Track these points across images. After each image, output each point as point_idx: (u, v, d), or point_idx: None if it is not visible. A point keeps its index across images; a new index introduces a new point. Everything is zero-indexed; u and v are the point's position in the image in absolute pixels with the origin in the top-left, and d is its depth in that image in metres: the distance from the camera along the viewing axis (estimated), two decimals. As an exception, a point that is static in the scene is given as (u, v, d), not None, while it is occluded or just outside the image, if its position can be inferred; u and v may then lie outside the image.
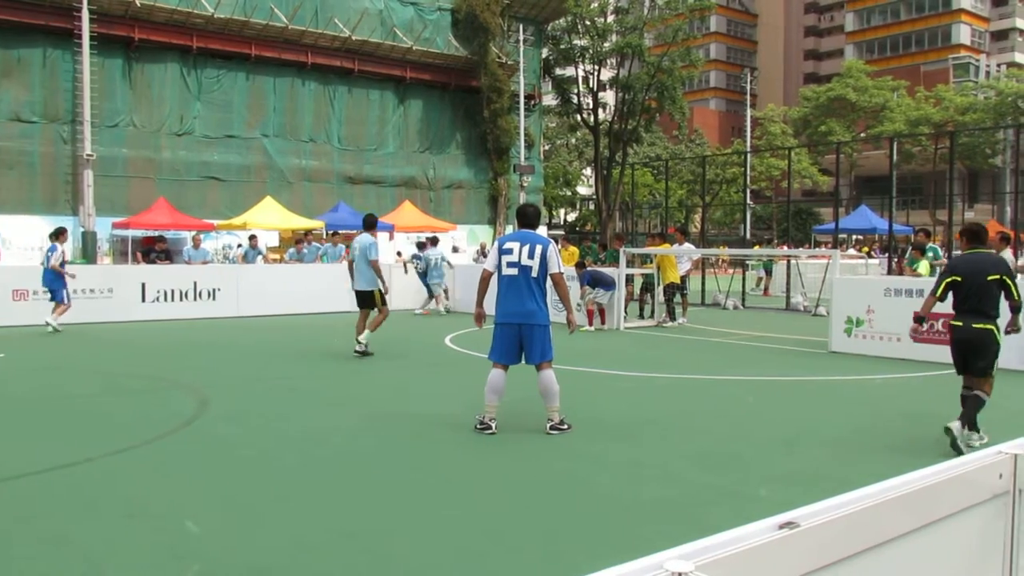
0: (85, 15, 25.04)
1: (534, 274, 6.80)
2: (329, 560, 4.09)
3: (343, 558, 4.13)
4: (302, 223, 25.62)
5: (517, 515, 4.81)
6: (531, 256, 6.80)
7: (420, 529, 4.53)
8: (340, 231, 24.61)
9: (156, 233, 22.99)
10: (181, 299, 16.51)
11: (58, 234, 14.51)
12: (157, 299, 16.50)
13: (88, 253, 24.68)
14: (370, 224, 11.88)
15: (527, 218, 7.20)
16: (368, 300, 11.53)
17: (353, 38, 32.17)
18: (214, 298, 16.91)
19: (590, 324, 15.20)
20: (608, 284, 15.13)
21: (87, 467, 5.84)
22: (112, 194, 26.74)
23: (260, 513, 4.82)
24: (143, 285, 16.47)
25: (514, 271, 6.83)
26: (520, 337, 6.85)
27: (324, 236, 24.15)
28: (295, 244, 21.27)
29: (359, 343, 11.29)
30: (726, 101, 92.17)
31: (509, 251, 6.89)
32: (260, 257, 20.17)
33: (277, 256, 23.42)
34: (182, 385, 9.11)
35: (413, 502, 5.03)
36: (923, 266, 13.82)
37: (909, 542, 1.87)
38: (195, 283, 16.87)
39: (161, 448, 6.43)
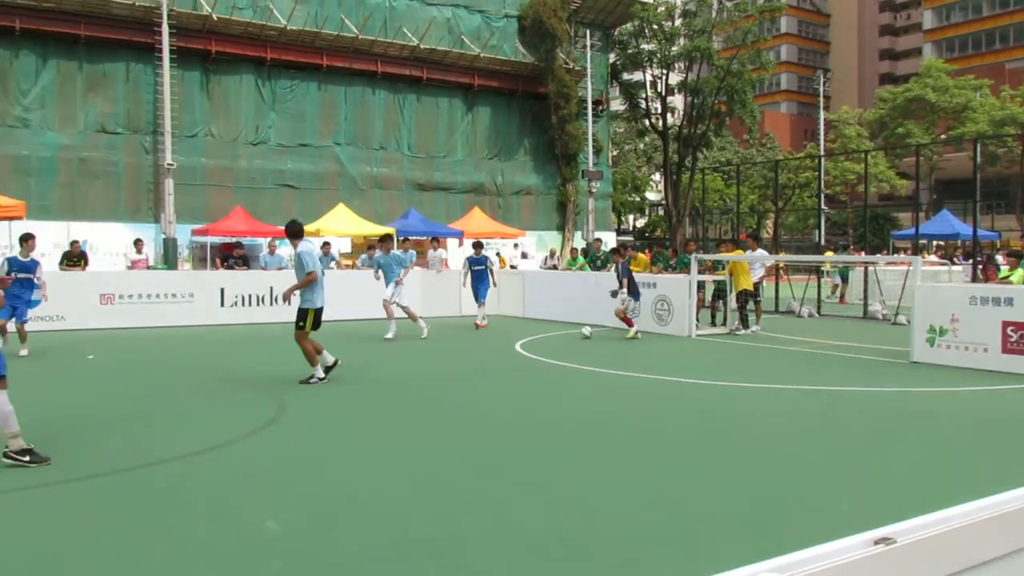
0: (165, 30, 25.89)
1: None
2: (401, 564, 4.13)
3: (414, 563, 4.17)
4: (374, 229, 26.00)
5: (591, 522, 4.79)
6: None
7: (492, 536, 4.55)
8: (411, 237, 24.96)
9: (234, 239, 23.60)
10: (258, 304, 16.93)
11: (21, 241, 12.52)
12: (236, 304, 16.96)
13: (169, 259, 25.49)
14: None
15: None
16: None
17: (421, 46, 32.54)
18: (289, 303, 17.26)
19: (631, 326, 15.03)
20: (637, 292, 15.17)
21: (172, 466, 6.03)
22: (191, 202, 27.55)
23: (337, 515, 4.90)
24: (222, 290, 16.94)
25: None
26: None
27: (396, 243, 24.48)
28: (367, 250, 21.61)
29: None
30: (798, 104, 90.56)
31: None
32: (333, 263, 20.54)
33: (350, 262, 23.81)
34: (261, 388, 9.33)
35: (485, 508, 5.05)
36: (1017, 275, 13.23)
37: (1007, 564, 1.81)
38: (271, 288, 17.27)
39: (242, 448, 6.60)
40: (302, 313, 9.89)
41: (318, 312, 9.98)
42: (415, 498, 5.26)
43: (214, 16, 28.29)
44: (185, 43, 27.49)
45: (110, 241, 26.38)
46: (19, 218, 18.31)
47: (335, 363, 9.92)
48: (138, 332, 15.47)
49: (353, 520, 4.80)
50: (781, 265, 22.64)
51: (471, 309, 17.92)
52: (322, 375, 9.77)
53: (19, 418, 5.85)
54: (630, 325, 14.96)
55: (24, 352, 12.05)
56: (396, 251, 15.71)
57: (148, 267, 20.93)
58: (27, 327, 15.23)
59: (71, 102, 27.01)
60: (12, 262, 11.92)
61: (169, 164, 26.02)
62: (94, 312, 15.89)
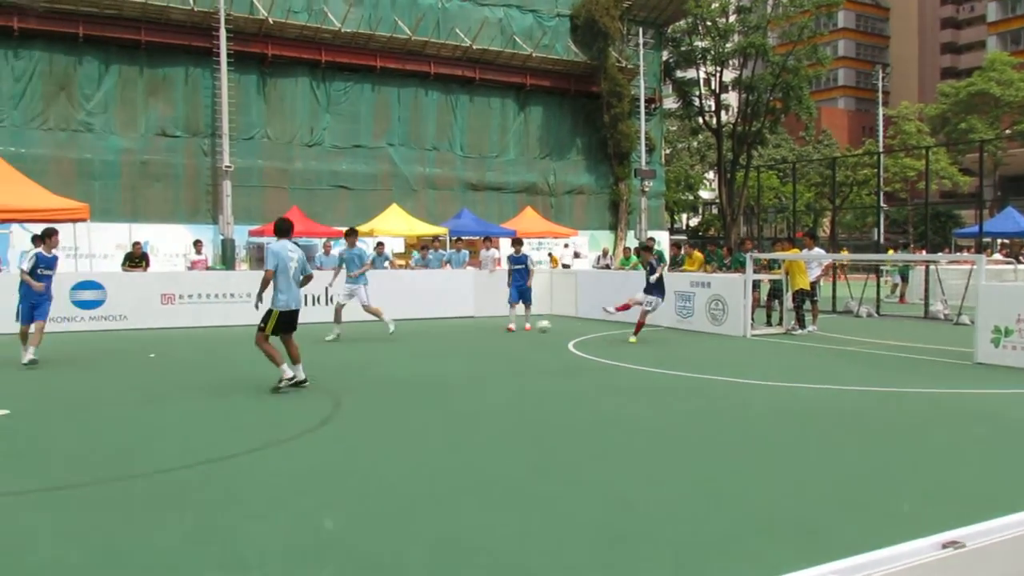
0: (223, 34, 26.41)
1: None
2: (455, 561, 4.14)
3: (468, 560, 4.18)
4: (427, 229, 26.19)
5: (645, 524, 4.74)
6: None
7: (545, 535, 4.53)
8: (464, 237, 25.08)
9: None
10: (314, 303, 17.11)
11: (45, 236, 11.53)
12: (291, 303, 17.19)
13: (227, 260, 25.98)
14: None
15: None
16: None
17: (474, 47, 32.71)
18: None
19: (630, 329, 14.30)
20: (663, 292, 14.40)
21: (229, 463, 6.13)
22: (248, 203, 28.08)
23: (392, 513, 4.92)
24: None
25: None
26: None
27: (449, 242, 24.62)
28: (421, 250, 21.79)
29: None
30: (856, 100, 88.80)
31: None
32: (387, 263, 20.71)
33: (403, 262, 24.01)
34: (316, 386, 9.43)
35: (538, 507, 5.03)
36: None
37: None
38: (326, 288, 17.46)
39: (298, 446, 6.69)
40: (266, 315, 9.17)
41: (283, 315, 9.13)
42: (469, 496, 5.27)
43: (270, 20, 28.81)
44: (242, 47, 28.03)
45: (170, 242, 27.01)
46: (83, 220, 18.81)
47: (292, 378, 8.96)
48: (198, 331, 15.79)
49: (409, 518, 4.82)
50: (843, 264, 22.18)
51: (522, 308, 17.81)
52: (290, 375, 8.95)
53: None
54: (638, 330, 14.11)
55: (29, 357, 10.87)
56: (360, 247, 15.19)
57: (207, 267, 21.35)
58: (91, 326, 15.73)
59: (132, 106, 27.75)
60: (40, 258, 11.11)
61: (227, 166, 26.53)
62: (155, 312, 16.27)
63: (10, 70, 26.08)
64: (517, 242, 17.38)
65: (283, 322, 9.15)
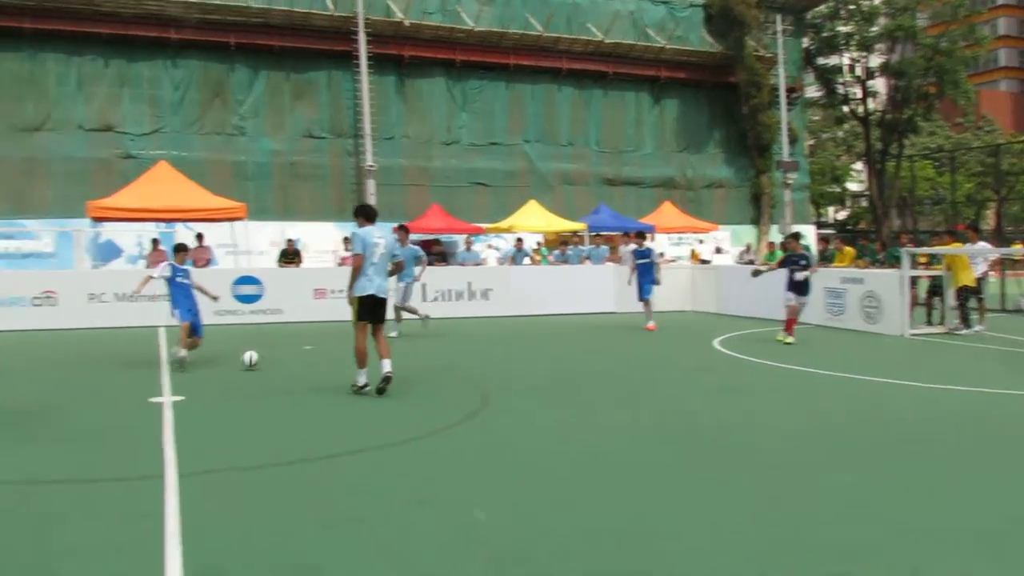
0: (362, 38, 27.29)
1: None
2: (601, 559, 4.07)
3: (614, 557, 4.09)
4: (565, 225, 26.18)
5: (804, 530, 4.52)
6: None
7: (688, 534, 4.39)
8: (602, 232, 24.93)
9: (432, 237, 24.45)
10: (457, 299, 17.46)
11: (176, 251, 11.54)
12: (437, 299, 17.58)
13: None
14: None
15: None
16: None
17: (606, 41, 32.45)
18: (487, 298, 17.73)
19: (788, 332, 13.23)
20: (809, 291, 13.57)
21: (378, 453, 6.26)
22: (391, 201, 28.77)
23: (541, 508, 4.88)
24: (424, 286, 17.60)
25: None
26: None
27: (588, 238, 24.53)
28: (560, 246, 21.86)
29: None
30: (1020, 81, 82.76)
31: None
32: (527, 259, 20.86)
33: (537, 259, 24.12)
34: (464, 379, 9.55)
35: (681, 507, 4.88)
36: None
37: None
38: (469, 283, 17.77)
39: (447, 439, 6.76)
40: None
41: (364, 300, 8.66)
42: (617, 493, 5.17)
43: (406, 22, 29.50)
44: (380, 50, 28.81)
45: (320, 239, 28.09)
46: (240, 219, 19.85)
47: (364, 386, 8.65)
48: (349, 325, 16.30)
49: (557, 513, 4.77)
50: (1019, 257, 20.62)
51: (664, 304, 17.36)
52: (363, 383, 8.64)
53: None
54: (789, 329, 13.25)
55: (186, 355, 10.88)
56: (412, 247, 14.58)
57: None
58: (250, 319, 16.57)
59: (280, 110, 29.05)
60: (175, 269, 11.05)
61: (370, 166, 27.40)
62: (308, 306, 17.01)
63: (169, 79, 27.80)
64: (639, 235, 16.80)
65: (364, 309, 8.70)
